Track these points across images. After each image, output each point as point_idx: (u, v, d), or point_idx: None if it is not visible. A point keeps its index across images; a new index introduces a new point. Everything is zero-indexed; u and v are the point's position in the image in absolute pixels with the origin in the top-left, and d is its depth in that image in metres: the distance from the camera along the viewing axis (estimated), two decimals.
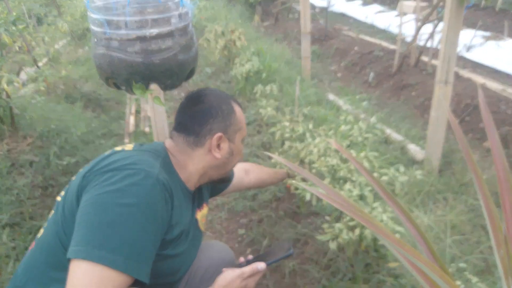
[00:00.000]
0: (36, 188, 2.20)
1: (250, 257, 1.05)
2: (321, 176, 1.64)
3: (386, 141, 2.91)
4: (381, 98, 3.99)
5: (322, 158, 1.67)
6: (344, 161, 1.64)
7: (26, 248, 1.87)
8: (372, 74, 4.44)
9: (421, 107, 3.74)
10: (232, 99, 1.09)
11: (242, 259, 1.05)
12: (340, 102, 3.36)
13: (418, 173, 1.52)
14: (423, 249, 0.94)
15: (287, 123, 1.84)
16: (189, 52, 1.25)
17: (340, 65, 5.00)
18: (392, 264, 1.45)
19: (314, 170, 1.66)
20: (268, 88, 2.73)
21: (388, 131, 3.00)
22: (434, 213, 2.04)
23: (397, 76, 4.23)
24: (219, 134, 1.01)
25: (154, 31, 1.11)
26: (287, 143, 1.79)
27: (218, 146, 1.03)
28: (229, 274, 0.94)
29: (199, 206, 1.15)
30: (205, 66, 4.59)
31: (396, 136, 2.95)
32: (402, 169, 1.56)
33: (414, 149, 2.77)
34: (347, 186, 1.49)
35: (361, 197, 1.52)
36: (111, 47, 1.11)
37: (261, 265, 0.96)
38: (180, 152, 1.03)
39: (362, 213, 0.82)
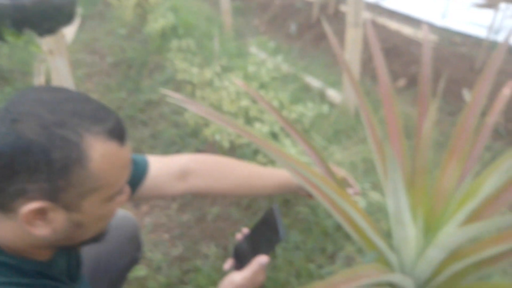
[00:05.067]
0: None
1: (246, 230, 0.88)
2: (235, 118, 1.64)
3: (306, 88, 2.98)
4: (303, 49, 4.05)
5: (236, 102, 1.66)
6: (255, 102, 1.65)
7: None
8: (293, 26, 4.46)
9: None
10: (89, 130, 0.52)
11: (239, 236, 0.88)
12: (262, 54, 3.35)
13: (325, 107, 1.57)
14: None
15: (195, 70, 1.79)
16: None
17: (262, 19, 4.97)
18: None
19: (227, 115, 1.66)
20: (184, 43, 2.64)
21: (308, 79, 3.07)
22: (349, 149, 2.16)
23: (317, 26, 4.29)
24: (36, 204, 0.51)
25: None
26: (198, 92, 1.75)
27: (41, 218, 0.53)
28: (231, 283, 0.78)
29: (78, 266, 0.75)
30: (118, 27, 4.31)
31: (315, 83, 3.03)
32: (310, 105, 1.60)
33: (332, 94, 2.87)
34: (257, 125, 1.50)
35: (273, 135, 1.55)
36: None
37: (263, 260, 0.78)
38: None
39: (273, 146, 0.83)
